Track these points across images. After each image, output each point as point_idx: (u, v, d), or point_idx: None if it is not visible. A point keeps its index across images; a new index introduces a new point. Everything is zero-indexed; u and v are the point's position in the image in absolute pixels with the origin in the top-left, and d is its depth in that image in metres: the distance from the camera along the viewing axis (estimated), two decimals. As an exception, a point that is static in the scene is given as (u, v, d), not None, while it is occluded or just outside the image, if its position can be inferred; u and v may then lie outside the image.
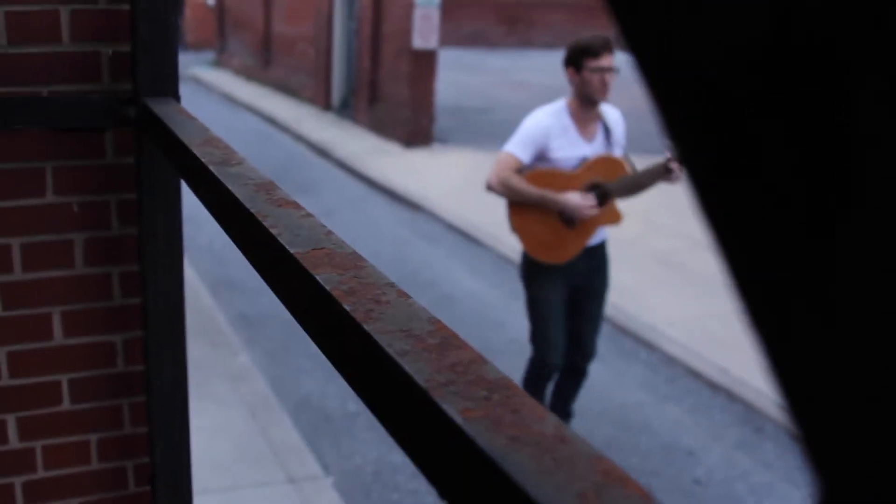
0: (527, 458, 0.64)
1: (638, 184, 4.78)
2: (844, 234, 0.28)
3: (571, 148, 4.71)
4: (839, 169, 0.28)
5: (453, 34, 25.38)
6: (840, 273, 0.29)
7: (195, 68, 22.92)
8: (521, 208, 4.75)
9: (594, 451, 0.64)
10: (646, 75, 0.34)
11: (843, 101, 0.27)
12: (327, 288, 0.97)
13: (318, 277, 1.00)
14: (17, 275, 2.17)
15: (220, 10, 23.32)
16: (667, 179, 4.66)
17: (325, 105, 16.60)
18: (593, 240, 4.88)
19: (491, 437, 0.66)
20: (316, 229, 1.17)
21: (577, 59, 4.63)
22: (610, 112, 4.86)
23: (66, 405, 2.29)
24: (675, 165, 4.58)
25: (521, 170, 4.69)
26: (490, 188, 4.76)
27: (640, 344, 6.82)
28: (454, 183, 11.17)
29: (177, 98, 2.12)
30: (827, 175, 0.28)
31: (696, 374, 6.31)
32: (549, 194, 4.65)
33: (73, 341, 2.26)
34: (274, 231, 1.16)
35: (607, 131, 4.82)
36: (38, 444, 2.29)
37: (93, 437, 2.34)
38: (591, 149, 4.75)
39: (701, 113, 0.32)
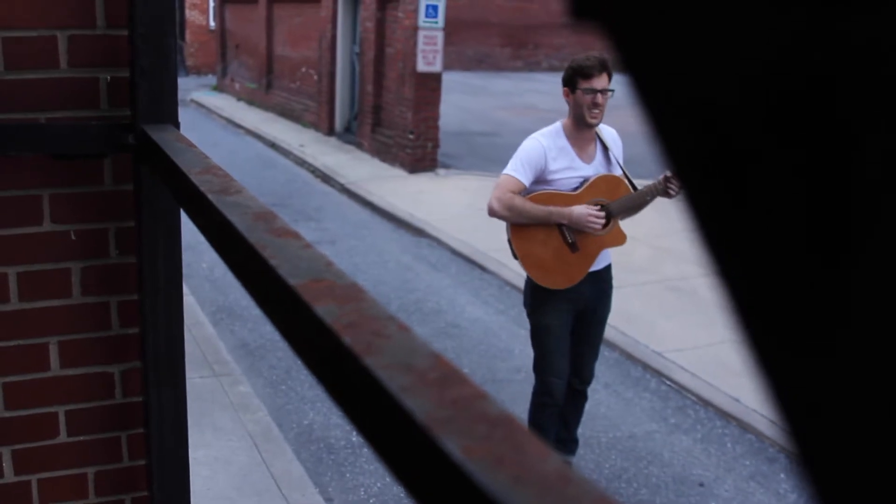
0: (529, 498, 0.61)
1: (639, 202, 4.75)
2: (850, 274, 0.28)
3: (571, 169, 4.69)
4: (844, 210, 0.28)
5: (458, 57, 25.57)
6: (846, 310, 0.29)
7: (196, 93, 23.04)
8: (524, 233, 4.72)
9: (598, 492, 0.62)
10: (647, 111, 0.34)
11: (847, 141, 0.27)
12: (327, 321, 0.93)
13: (317, 310, 0.96)
14: (14, 304, 2.14)
15: (222, 34, 23.45)
16: (665, 195, 4.63)
17: (328, 130, 16.64)
18: (598, 264, 4.84)
19: (493, 476, 0.63)
20: (316, 260, 1.14)
21: (571, 80, 4.63)
22: (606, 131, 4.84)
23: (63, 437, 2.26)
24: (675, 182, 4.55)
25: (521, 194, 4.66)
26: (493, 213, 4.72)
27: (649, 372, 6.76)
28: (459, 208, 11.16)
29: (176, 125, 2.09)
30: (831, 216, 0.28)
31: (707, 404, 6.25)
32: (555, 209, 4.62)
33: (70, 372, 2.23)
34: (273, 262, 1.12)
35: (605, 151, 4.80)
36: (34, 478, 2.25)
37: (90, 471, 2.30)
38: (590, 169, 4.73)
39: (704, 150, 0.32)
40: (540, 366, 4.99)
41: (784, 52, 0.28)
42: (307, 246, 1.19)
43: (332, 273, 1.08)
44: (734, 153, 0.31)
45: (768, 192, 0.30)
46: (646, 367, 6.82)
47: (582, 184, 4.70)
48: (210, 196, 1.44)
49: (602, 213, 4.65)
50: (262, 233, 1.24)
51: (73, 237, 2.16)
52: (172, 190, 1.82)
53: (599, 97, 4.56)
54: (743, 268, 0.32)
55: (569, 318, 4.88)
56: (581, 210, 4.61)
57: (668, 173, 4.54)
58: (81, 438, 2.28)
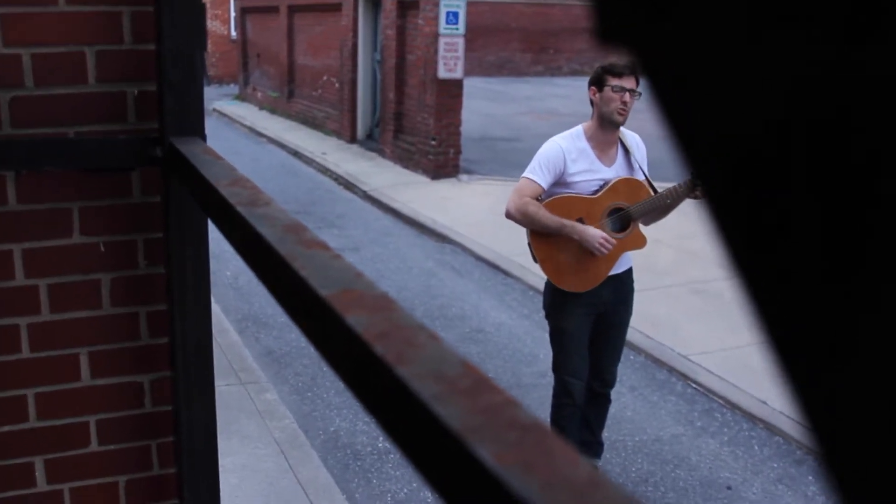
0: (561, 503, 0.62)
1: (661, 205, 4.74)
2: (866, 298, 0.29)
3: (591, 172, 4.68)
4: (861, 238, 0.29)
5: (479, 63, 25.56)
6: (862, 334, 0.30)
7: (218, 102, 23.15)
8: (543, 237, 4.72)
9: (629, 497, 0.63)
10: (671, 132, 0.34)
11: (865, 173, 0.28)
12: (358, 331, 0.95)
13: (348, 320, 0.98)
14: (45, 315, 2.17)
15: (243, 44, 23.56)
16: (693, 197, 4.61)
17: (351, 137, 16.68)
18: (618, 267, 4.84)
19: (525, 482, 0.64)
20: (346, 271, 1.15)
21: (599, 78, 4.63)
22: (629, 135, 4.84)
23: (94, 446, 2.28)
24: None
25: (541, 196, 4.67)
26: (509, 216, 4.73)
27: (674, 375, 6.74)
28: (481, 214, 11.16)
29: (203, 137, 2.11)
30: (848, 243, 0.29)
31: (733, 407, 6.21)
32: (569, 224, 4.62)
33: (100, 382, 2.25)
34: (303, 273, 1.14)
35: (627, 154, 4.79)
36: (65, 487, 2.27)
37: (121, 479, 2.32)
38: (611, 172, 4.72)
39: (726, 176, 0.33)
40: (558, 366, 5.00)
41: (803, 83, 0.29)
42: (336, 257, 1.20)
43: (362, 283, 1.10)
44: (754, 181, 0.31)
45: (789, 215, 0.31)
46: (671, 370, 6.80)
47: (602, 187, 4.70)
48: (239, 208, 1.46)
49: (614, 242, 4.65)
50: (292, 244, 1.25)
51: (103, 249, 2.18)
52: (201, 202, 1.84)
53: (628, 96, 4.56)
54: (770, 293, 0.33)
55: (588, 320, 4.88)
56: (594, 233, 4.61)
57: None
58: (112, 447, 2.30)
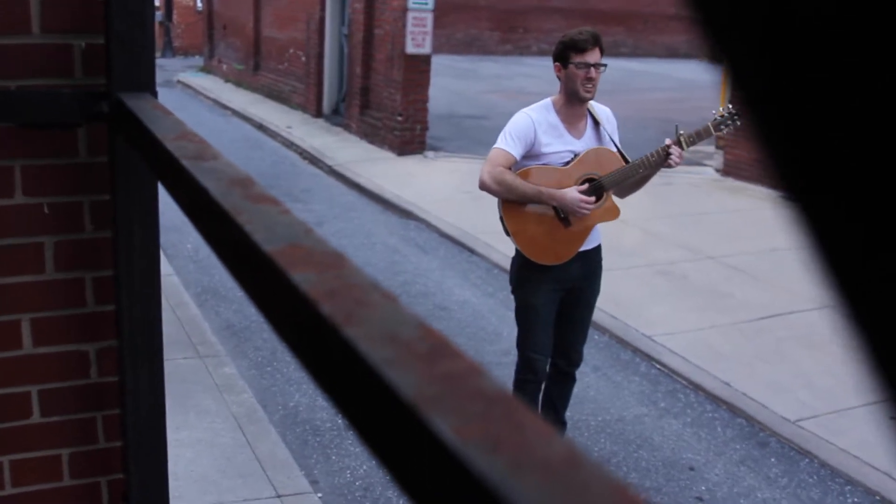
0: (532, 485, 0.53)
1: (634, 175, 4.69)
2: None
3: (561, 144, 4.64)
4: None
5: (447, 40, 25.47)
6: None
7: (183, 74, 22.98)
8: (516, 209, 4.66)
9: (611, 477, 0.54)
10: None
11: None
12: (303, 288, 0.85)
13: (293, 277, 0.88)
14: (-16, 280, 2.05)
15: (209, 15, 23.35)
16: (667, 165, 4.57)
17: (316, 111, 16.54)
18: (588, 244, 4.79)
19: (490, 460, 0.55)
20: (294, 227, 1.06)
21: (563, 55, 4.58)
22: (599, 108, 4.80)
23: (36, 418, 2.18)
24: (675, 150, 4.51)
25: (512, 168, 4.60)
26: (483, 186, 4.65)
27: (638, 356, 6.72)
28: (447, 191, 11.10)
29: (153, 93, 2.00)
30: None
31: (697, 388, 6.21)
32: (545, 190, 4.56)
33: (43, 350, 2.15)
34: (248, 228, 1.05)
35: (597, 126, 4.74)
36: (5, 459, 2.18)
37: (64, 452, 2.23)
38: (581, 144, 4.69)
39: (775, 42, 0.29)
40: (522, 342, 4.94)
41: None
42: (285, 212, 1.11)
43: (311, 239, 1.01)
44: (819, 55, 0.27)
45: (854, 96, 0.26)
46: (635, 350, 6.78)
47: (573, 158, 4.64)
48: (184, 162, 1.36)
49: (592, 200, 4.59)
50: (238, 198, 1.16)
51: (47, 210, 2.08)
52: (147, 158, 1.75)
53: (593, 71, 4.51)
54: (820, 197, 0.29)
55: (555, 297, 4.83)
56: (573, 195, 4.55)
57: (669, 141, 4.52)
58: (55, 419, 2.20)
